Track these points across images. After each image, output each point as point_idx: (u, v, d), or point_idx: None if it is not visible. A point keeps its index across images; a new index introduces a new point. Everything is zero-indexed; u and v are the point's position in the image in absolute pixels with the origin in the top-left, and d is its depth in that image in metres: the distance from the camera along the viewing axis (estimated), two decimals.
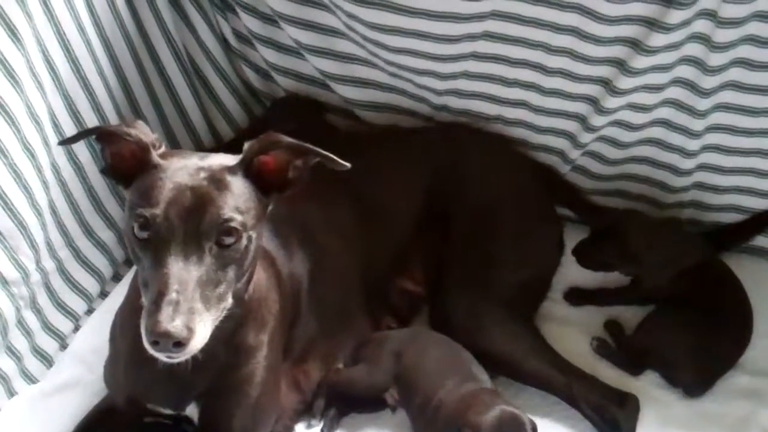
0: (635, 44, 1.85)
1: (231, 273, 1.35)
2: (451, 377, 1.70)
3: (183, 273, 1.28)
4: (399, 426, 1.76)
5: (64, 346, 1.94)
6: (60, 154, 1.85)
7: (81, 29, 1.83)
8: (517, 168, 2.11)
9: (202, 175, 1.35)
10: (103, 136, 1.44)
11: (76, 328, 1.98)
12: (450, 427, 1.59)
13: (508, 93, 2.05)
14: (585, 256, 2.01)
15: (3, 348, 1.76)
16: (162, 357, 1.30)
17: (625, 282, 2.06)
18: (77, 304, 1.97)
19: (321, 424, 1.76)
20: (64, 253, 1.92)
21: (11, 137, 1.68)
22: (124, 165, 1.41)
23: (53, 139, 1.81)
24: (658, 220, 2.08)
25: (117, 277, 2.09)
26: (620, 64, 1.89)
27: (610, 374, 1.89)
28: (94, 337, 1.92)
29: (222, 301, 1.35)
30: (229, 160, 1.40)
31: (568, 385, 1.81)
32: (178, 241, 1.30)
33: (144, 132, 1.41)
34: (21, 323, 1.81)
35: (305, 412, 1.78)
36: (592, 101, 1.98)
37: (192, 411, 1.58)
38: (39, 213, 1.80)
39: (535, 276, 2.02)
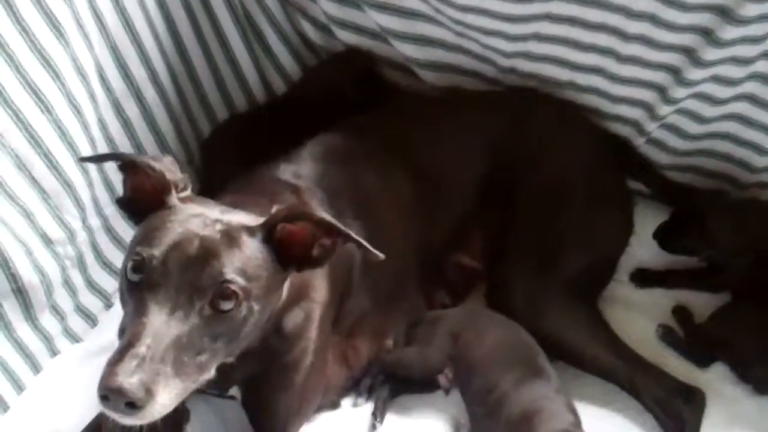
0: (724, 12, 1.70)
1: (219, 344, 1.21)
2: (516, 367, 1.62)
3: (162, 327, 1.14)
4: (453, 408, 1.70)
5: (108, 306, 1.90)
6: (107, 108, 1.79)
7: None
8: (589, 139, 1.99)
9: (218, 227, 1.24)
10: (127, 166, 1.35)
11: None
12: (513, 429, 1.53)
13: (583, 58, 1.91)
14: (668, 239, 1.92)
15: (47, 307, 1.73)
16: (113, 415, 1.13)
17: (697, 264, 1.95)
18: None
19: (368, 403, 1.71)
20: (110, 210, 1.87)
21: (56, 92, 1.62)
22: (144, 199, 1.32)
23: (100, 94, 1.74)
24: (743, 201, 1.96)
25: None
26: (707, 34, 1.74)
27: (676, 365, 1.80)
28: None
29: (200, 373, 1.20)
30: (252, 220, 1.29)
31: (631, 376, 1.73)
32: (169, 291, 1.17)
33: (170, 169, 1.32)
34: (67, 283, 1.77)
35: (352, 388, 1.73)
36: (673, 71, 1.84)
37: (235, 391, 1.52)
38: (85, 171, 1.74)
39: (602, 258, 1.92)
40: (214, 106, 2.11)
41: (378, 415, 1.67)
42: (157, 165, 1.30)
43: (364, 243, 1.28)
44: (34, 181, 1.64)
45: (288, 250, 1.29)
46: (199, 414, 1.49)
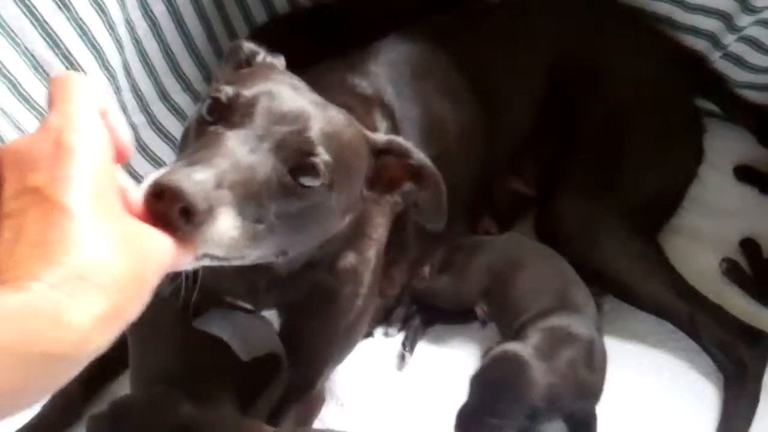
0: None
1: (280, 225, 1.02)
2: (545, 299, 1.54)
3: (241, 155, 0.96)
4: (488, 341, 1.62)
5: None
6: (135, 8, 1.68)
7: None
8: (660, 54, 1.83)
9: (323, 106, 1.10)
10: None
11: None
12: None
13: None
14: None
15: None
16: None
17: None
18: (151, 172, 1.84)
19: (400, 333, 1.64)
20: (139, 119, 1.79)
21: None
22: None
23: None
24: None
25: None
26: None
27: (739, 304, 1.67)
28: None
29: (249, 242, 0.98)
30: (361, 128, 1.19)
31: (691, 315, 1.61)
32: (250, 133, 1.00)
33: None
34: None
35: (385, 318, 1.66)
36: None
37: (272, 316, 1.40)
38: (111, 75, 1.65)
39: (667, 187, 1.79)
40: (251, 7, 1.99)
41: (408, 345, 1.61)
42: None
43: (444, 198, 1.24)
44: None
45: (377, 175, 1.20)
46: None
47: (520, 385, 1.38)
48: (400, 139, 1.22)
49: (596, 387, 1.47)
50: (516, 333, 1.51)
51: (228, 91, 1.04)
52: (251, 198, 0.95)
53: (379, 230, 1.43)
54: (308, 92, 1.13)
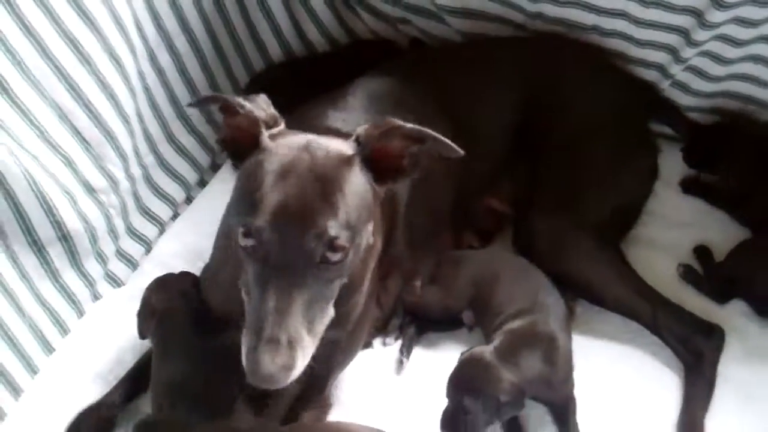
0: None
1: (335, 285, 1.31)
2: (516, 304, 1.69)
3: (283, 304, 1.23)
4: (476, 344, 1.71)
5: (149, 250, 1.98)
6: (145, 59, 1.85)
7: None
8: (615, 84, 2.01)
9: (312, 176, 1.26)
10: (223, 107, 1.38)
11: (162, 233, 2.01)
12: None
13: (607, 2, 1.94)
14: (692, 153, 2.02)
15: (92, 254, 1.81)
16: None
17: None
18: (162, 210, 2.01)
19: (397, 342, 1.78)
20: (149, 160, 1.95)
21: (94, 44, 1.68)
22: (239, 138, 1.35)
23: (139, 46, 1.80)
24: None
25: (202, 183, 2.11)
26: None
27: (696, 302, 1.84)
28: (177, 243, 1.98)
29: (325, 316, 1.31)
30: (346, 148, 1.32)
31: (653, 313, 1.78)
32: (280, 260, 1.24)
33: (261, 107, 1.35)
34: (112, 230, 1.85)
35: (382, 329, 1.80)
36: (696, 14, 1.86)
37: None
38: (126, 121, 1.81)
39: (627, 202, 1.96)
40: (250, 56, 2.15)
41: (405, 351, 1.75)
42: (247, 103, 1.33)
43: (447, 141, 1.32)
44: (76, 131, 1.71)
45: (382, 166, 1.34)
46: None
47: (485, 384, 1.52)
48: (377, 124, 1.34)
49: (559, 379, 1.61)
50: (493, 332, 1.66)
51: (250, 225, 1.24)
52: (309, 311, 1.26)
53: (375, 243, 1.56)
54: (307, 161, 1.27)
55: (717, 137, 2.00)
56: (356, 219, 1.28)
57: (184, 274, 1.73)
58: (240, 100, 1.33)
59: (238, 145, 1.35)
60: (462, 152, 1.32)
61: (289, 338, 1.23)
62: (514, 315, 1.67)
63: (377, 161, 1.33)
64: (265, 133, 1.32)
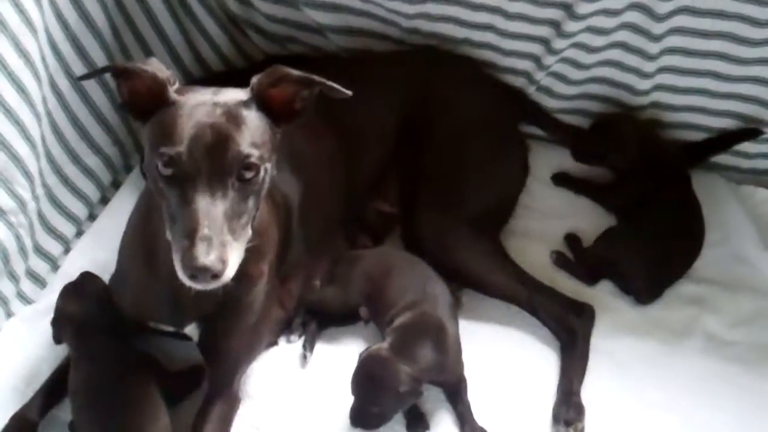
0: None
1: (251, 203, 1.44)
2: (407, 296, 1.81)
3: (211, 209, 1.37)
4: (373, 336, 1.89)
5: (56, 268, 2.04)
6: (46, 85, 1.91)
7: None
8: (485, 90, 2.18)
9: (219, 111, 1.41)
10: (119, 73, 1.49)
11: (67, 251, 2.07)
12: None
13: (475, 17, 2.11)
14: (580, 147, 2.17)
15: (5, 273, 1.86)
16: (197, 287, 1.39)
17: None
18: (66, 228, 2.07)
19: (300, 339, 1.89)
20: (52, 180, 2.00)
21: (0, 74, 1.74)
22: (141, 101, 1.46)
23: (42, 73, 1.86)
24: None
25: (105, 200, 2.17)
26: None
27: (568, 285, 2.02)
28: (83, 258, 2.03)
29: (245, 229, 1.44)
30: (242, 94, 1.46)
31: (530, 297, 1.94)
32: (203, 178, 1.38)
33: (159, 68, 1.46)
34: (23, 249, 1.91)
35: (285, 327, 1.90)
36: (555, 25, 2.05)
37: (192, 330, 1.70)
38: (33, 145, 1.87)
39: (501, 197, 2.11)
40: None
41: (308, 346, 1.87)
42: (147, 67, 1.45)
43: (334, 85, 1.49)
44: None
45: (276, 110, 1.49)
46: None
47: (385, 379, 1.66)
48: (268, 71, 1.48)
49: (451, 363, 1.75)
50: (387, 324, 1.78)
51: (169, 152, 1.38)
52: (232, 218, 1.40)
53: (272, 239, 1.72)
54: (211, 101, 1.43)
55: (602, 134, 2.16)
56: (261, 145, 1.44)
57: (89, 275, 1.81)
58: (140, 65, 1.46)
59: (142, 107, 1.46)
60: (349, 93, 1.50)
61: (221, 240, 1.36)
62: (406, 307, 1.79)
63: (272, 105, 1.48)
64: (171, 89, 1.44)
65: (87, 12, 1.98)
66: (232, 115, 1.42)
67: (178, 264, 1.37)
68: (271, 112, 1.48)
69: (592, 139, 2.18)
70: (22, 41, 1.78)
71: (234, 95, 1.46)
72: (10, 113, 1.78)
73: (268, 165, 1.46)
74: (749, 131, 2.18)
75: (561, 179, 2.23)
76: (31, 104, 1.83)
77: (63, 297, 1.76)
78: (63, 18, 1.92)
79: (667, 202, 2.07)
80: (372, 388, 1.67)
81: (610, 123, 2.17)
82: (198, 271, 1.34)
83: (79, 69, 1.99)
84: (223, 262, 1.36)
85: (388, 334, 1.75)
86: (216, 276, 1.36)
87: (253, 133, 1.43)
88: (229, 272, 1.38)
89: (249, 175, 1.41)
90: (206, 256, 1.33)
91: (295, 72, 1.48)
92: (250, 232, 1.46)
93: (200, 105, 1.42)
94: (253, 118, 1.44)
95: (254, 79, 1.48)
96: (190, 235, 1.35)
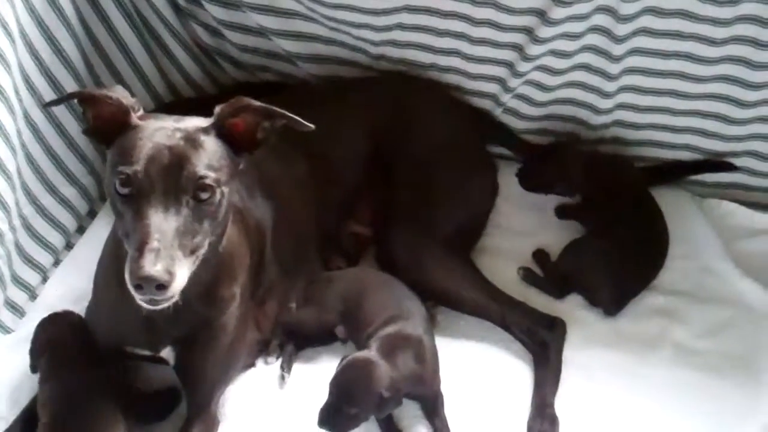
0: None
1: (206, 225, 1.47)
2: (383, 314, 1.85)
3: (163, 223, 1.39)
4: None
5: (34, 297, 2.05)
6: (20, 117, 1.93)
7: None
8: (453, 113, 2.23)
9: (178, 135, 1.45)
10: (85, 100, 1.54)
11: (45, 280, 2.09)
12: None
13: (441, 42, 2.17)
14: (527, 178, 2.21)
15: None
16: (145, 302, 1.41)
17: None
18: (43, 258, 2.09)
19: (277, 360, 1.92)
20: (29, 210, 2.02)
21: None
22: (105, 126, 1.51)
23: (16, 106, 1.89)
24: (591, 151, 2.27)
25: (81, 230, 2.20)
26: (541, 15, 2.02)
27: (540, 300, 2.06)
28: (61, 287, 2.06)
29: (198, 250, 1.47)
30: (203, 122, 1.51)
31: (502, 313, 1.97)
32: (157, 195, 1.41)
33: (124, 96, 1.51)
34: (1, 279, 1.93)
35: (263, 349, 1.93)
36: (518, 49, 2.12)
37: (168, 354, 1.73)
38: (8, 176, 1.89)
39: (472, 216, 2.16)
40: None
41: (286, 367, 1.89)
42: (113, 94, 1.49)
43: (296, 118, 1.52)
44: None
45: (237, 139, 1.53)
46: None
47: (370, 380, 1.68)
48: (230, 102, 1.52)
49: (429, 375, 1.79)
50: (365, 342, 1.81)
51: (127, 171, 1.42)
52: (184, 235, 1.42)
53: (244, 261, 1.75)
54: (168, 125, 1.48)
55: (547, 159, 2.20)
56: (218, 168, 1.47)
57: (69, 312, 1.84)
58: (105, 91, 1.51)
59: (106, 132, 1.51)
60: (312, 126, 1.53)
61: (170, 253, 1.38)
62: (383, 324, 1.83)
63: (233, 134, 1.53)
64: (134, 116, 1.49)
65: (60, 46, 2.01)
66: (191, 139, 1.46)
67: (127, 275, 1.39)
68: (233, 140, 1.52)
69: (537, 170, 2.21)
70: None
71: (195, 122, 1.51)
72: None
73: (225, 189, 1.49)
74: (724, 164, 2.25)
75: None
76: (5, 137, 1.86)
77: (40, 326, 1.79)
78: (36, 52, 1.95)
79: (628, 217, 2.11)
80: (354, 389, 1.69)
81: (552, 154, 2.21)
82: (143, 281, 1.36)
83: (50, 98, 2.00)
84: (170, 273, 1.38)
85: (369, 346, 1.78)
86: (162, 287, 1.37)
87: (210, 156, 1.47)
88: (176, 286, 1.40)
89: (204, 195, 1.44)
90: (152, 266, 1.35)
91: (257, 103, 1.52)
92: (204, 249, 1.49)
93: (160, 129, 1.47)
94: (211, 144, 1.48)
95: (217, 108, 1.52)
96: (140, 247, 1.37)
